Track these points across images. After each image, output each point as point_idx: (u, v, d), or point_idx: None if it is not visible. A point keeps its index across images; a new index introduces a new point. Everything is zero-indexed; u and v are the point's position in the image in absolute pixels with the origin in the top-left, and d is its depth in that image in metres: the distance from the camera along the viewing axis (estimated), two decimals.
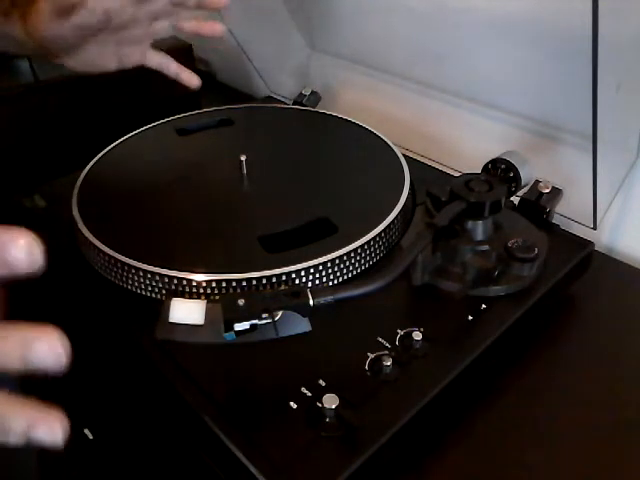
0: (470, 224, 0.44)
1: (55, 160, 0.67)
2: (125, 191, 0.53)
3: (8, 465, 0.39)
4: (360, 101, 0.74)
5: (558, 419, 0.41)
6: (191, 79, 0.58)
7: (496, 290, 0.44)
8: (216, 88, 0.95)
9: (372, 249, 0.46)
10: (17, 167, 0.67)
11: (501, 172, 0.49)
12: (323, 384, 0.37)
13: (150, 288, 0.43)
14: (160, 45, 0.80)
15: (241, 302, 0.36)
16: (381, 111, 0.71)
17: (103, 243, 0.45)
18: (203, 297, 0.42)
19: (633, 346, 0.46)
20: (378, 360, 0.38)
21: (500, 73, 0.58)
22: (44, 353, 0.26)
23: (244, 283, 0.42)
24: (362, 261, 0.45)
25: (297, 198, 0.52)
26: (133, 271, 0.43)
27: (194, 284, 0.42)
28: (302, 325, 0.40)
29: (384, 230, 0.46)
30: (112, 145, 0.59)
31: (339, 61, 0.77)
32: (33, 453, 0.40)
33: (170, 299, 0.40)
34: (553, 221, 0.51)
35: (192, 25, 0.55)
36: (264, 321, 0.37)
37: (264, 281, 0.42)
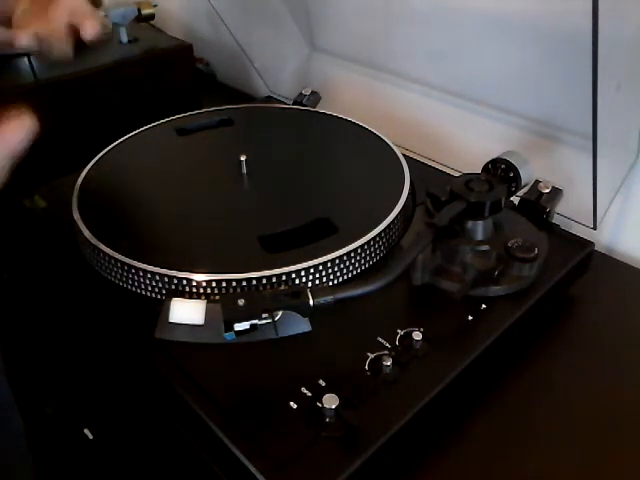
0: (470, 224, 0.44)
1: (55, 160, 0.67)
2: (125, 191, 0.53)
3: (5, 465, 0.39)
4: (360, 101, 0.74)
5: (558, 419, 0.41)
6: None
7: (496, 290, 0.44)
8: (216, 88, 0.95)
9: (372, 249, 0.46)
10: (17, 167, 0.67)
11: (501, 172, 0.49)
12: (323, 384, 0.37)
13: (150, 288, 0.43)
14: (160, 45, 0.80)
15: (241, 302, 0.36)
16: (381, 111, 0.71)
17: (103, 243, 0.45)
18: (203, 297, 0.42)
19: (633, 346, 0.46)
20: (378, 360, 0.38)
21: (500, 73, 0.59)
22: None
23: (244, 283, 0.42)
24: (362, 261, 0.45)
25: (297, 198, 0.52)
26: (133, 271, 0.43)
27: (194, 284, 0.42)
28: (302, 325, 0.40)
29: (384, 230, 0.46)
30: (112, 145, 0.59)
31: (339, 61, 0.77)
32: (30, 457, 0.40)
33: (170, 299, 0.40)
34: (553, 221, 0.51)
35: None
36: (264, 321, 0.37)
37: (264, 281, 0.42)
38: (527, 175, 0.49)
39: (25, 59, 0.74)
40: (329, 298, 0.37)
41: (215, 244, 0.46)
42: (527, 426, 0.40)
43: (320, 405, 0.35)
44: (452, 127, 0.66)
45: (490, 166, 0.50)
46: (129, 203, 0.52)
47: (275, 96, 0.78)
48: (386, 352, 0.39)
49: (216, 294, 0.42)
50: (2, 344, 0.40)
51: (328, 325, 0.40)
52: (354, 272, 0.45)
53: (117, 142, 0.60)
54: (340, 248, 0.44)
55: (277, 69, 0.79)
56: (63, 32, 0.48)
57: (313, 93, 0.72)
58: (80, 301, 0.47)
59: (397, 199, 0.49)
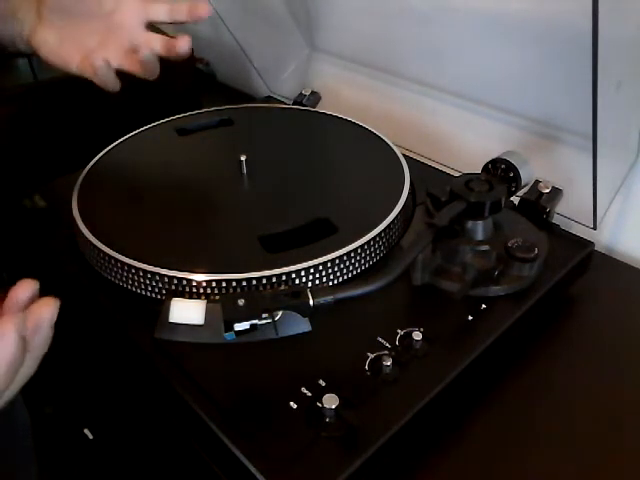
0: (470, 224, 0.44)
1: (55, 160, 0.67)
2: (125, 191, 0.53)
3: (8, 465, 0.39)
4: (360, 101, 0.74)
5: (558, 419, 0.41)
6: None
7: (496, 290, 0.44)
8: (216, 88, 0.95)
9: (372, 249, 0.46)
10: (17, 167, 0.67)
11: (501, 172, 0.49)
12: (323, 384, 0.37)
13: (150, 288, 0.43)
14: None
15: (241, 302, 0.36)
16: (381, 111, 0.71)
17: (103, 243, 0.45)
18: (203, 297, 0.42)
19: (633, 346, 0.46)
20: (378, 360, 0.38)
21: (500, 73, 0.58)
22: None
23: (244, 283, 0.42)
24: (362, 261, 0.45)
25: (297, 198, 0.52)
26: (133, 271, 0.43)
27: (194, 284, 0.42)
28: (302, 325, 0.40)
29: (384, 230, 0.46)
30: (112, 145, 0.59)
31: (339, 61, 0.77)
32: (33, 453, 0.40)
33: (170, 299, 0.40)
34: (553, 221, 0.51)
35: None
36: (264, 321, 0.37)
37: (264, 281, 0.42)
38: (527, 175, 0.49)
39: (25, 59, 0.74)
40: (329, 298, 0.37)
41: (215, 244, 0.46)
42: (527, 426, 0.40)
43: (320, 405, 0.35)
44: (452, 127, 0.66)
45: (490, 166, 0.50)
46: (129, 203, 0.52)
47: (275, 96, 0.78)
48: (386, 352, 0.39)
49: (216, 294, 0.42)
50: None
51: (328, 325, 0.40)
52: (354, 272, 0.45)
53: (117, 142, 0.60)
54: (340, 248, 0.44)
55: (277, 69, 0.79)
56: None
57: (313, 93, 0.72)
58: (80, 301, 0.47)
59: (397, 199, 0.49)
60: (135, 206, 0.51)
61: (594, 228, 0.51)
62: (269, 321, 0.37)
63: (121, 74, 0.52)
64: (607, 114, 0.42)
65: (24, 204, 0.55)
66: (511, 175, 0.49)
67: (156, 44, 0.50)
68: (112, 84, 0.51)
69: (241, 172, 0.54)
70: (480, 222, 0.44)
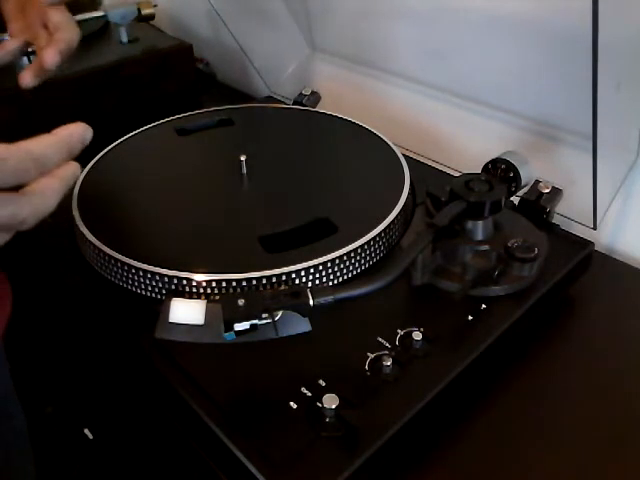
0: (470, 224, 0.44)
1: None
2: (125, 191, 0.53)
3: (8, 465, 0.39)
4: (360, 101, 0.74)
5: (558, 419, 0.41)
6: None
7: (496, 290, 0.44)
8: (216, 88, 0.95)
9: (372, 249, 0.46)
10: None
11: (501, 172, 0.49)
12: (323, 384, 0.37)
13: (150, 288, 0.43)
14: (160, 45, 0.80)
15: (241, 302, 0.36)
16: (381, 111, 0.71)
17: (103, 243, 0.45)
18: (203, 297, 0.42)
19: (633, 346, 0.46)
20: (378, 360, 0.38)
21: (500, 73, 0.58)
22: None
23: (244, 283, 0.42)
24: (362, 261, 0.45)
25: (297, 198, 0.52)
26: (133, 271, 0.43)
27: (194, 284, 0.42)
28: (302, 325, 0.40)
29: (384, 230, 0.46)
30: (112, 145, 0.59)
31: (339, 61, 0.77)
32: (31, 453, 0.40)
33: (170, 299, 0.40)
34: (553, 221, 0.51)
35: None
36: (264, 321, 0.37)
37: (264, 281, 0.42)
38: (527, 175, 0.49)
39: (25, 59, 0.74)
40: (329, 298, 0.37)
41: (215, 244, 0.46)
42: (527, 426, 0.40)
43: (320, 405, 0.35)
44: (452, 127, 0.66)
45: (490, 166, 0.50)
46: (129, 203, 0.52)
47: (275, 96, 0.78)
48: (386, 352, 0.39)
49: (216, 294, 0.42)
50: (5, 342, 0.40)
51: (328, 325, 0.40)
52: (354, 272, 0.45)
53: (117, 142, 0.60)
54: (340, 248, 0.44)
55: (277, 69, 0.79)
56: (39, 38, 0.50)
57: (313, 93, 0.72)
58: (80, 301, 0.47)
59: (397, 199, 0.49)
60: (135, 206, 0.51)
61: (594, 228, 0.51)
62: (269, 321, 0.37)
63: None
64: (607, 114, 0.42)
65: None
66: (511, 175, 0.49)
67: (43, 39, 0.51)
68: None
69: (241, 172, 0.54)
70: (480, 222, 0.44)
